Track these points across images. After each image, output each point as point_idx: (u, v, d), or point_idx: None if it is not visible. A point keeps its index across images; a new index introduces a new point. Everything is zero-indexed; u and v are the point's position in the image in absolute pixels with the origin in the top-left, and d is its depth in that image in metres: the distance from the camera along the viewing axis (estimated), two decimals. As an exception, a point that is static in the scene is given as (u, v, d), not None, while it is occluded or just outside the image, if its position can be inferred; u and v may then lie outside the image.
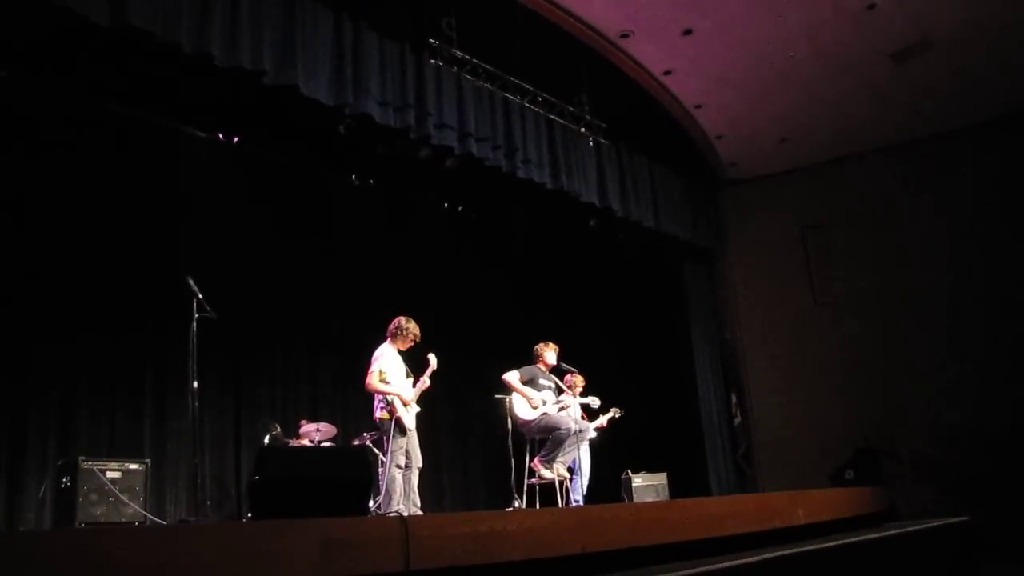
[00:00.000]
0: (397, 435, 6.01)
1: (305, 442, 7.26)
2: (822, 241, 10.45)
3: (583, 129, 8.53)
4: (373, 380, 6.09)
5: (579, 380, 7.64)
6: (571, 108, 8.40)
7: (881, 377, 9.73)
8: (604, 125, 8.72)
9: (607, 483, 8.26)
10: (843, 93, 9.21)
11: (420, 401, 6.33)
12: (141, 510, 5.72)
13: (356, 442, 7.34)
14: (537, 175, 7.83)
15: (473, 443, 9.57)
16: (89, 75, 6.09)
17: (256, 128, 7.28)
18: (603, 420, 7.93)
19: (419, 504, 6.22)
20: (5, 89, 6.01)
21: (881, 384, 9.72)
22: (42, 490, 6.17)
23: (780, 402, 10.32)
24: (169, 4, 5.25)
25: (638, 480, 8.05)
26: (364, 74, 6.43)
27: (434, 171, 7.63)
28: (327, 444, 7.32)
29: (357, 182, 8.63)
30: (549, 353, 7.31)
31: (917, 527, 6.54)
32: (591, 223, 9.19)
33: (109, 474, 5.65)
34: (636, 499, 7.84)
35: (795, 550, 4.91)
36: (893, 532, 6.20)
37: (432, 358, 6.32)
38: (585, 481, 7.30)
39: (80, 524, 5.37)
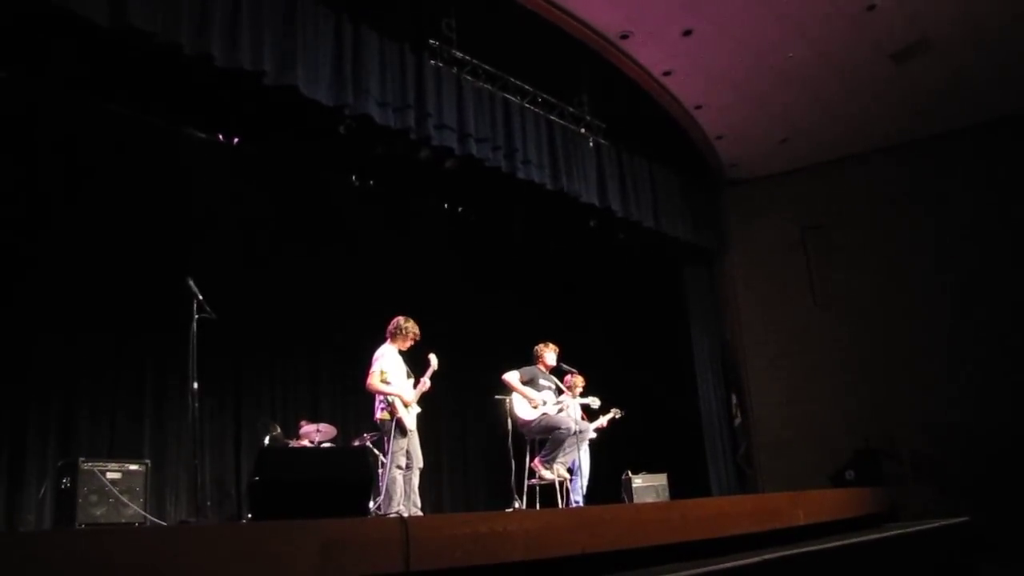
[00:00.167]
0: (398, 436, 6.01)
1: (305, 443, 7.26)
2: (822, 241, 10.45)
3: (583, 130, 8.53)
4: (374, 380, 6.08)
5: (579, 380, 7.64)
6: (571, 109, 8.41)
7: (881, 377, 9.73)
8: (604, 126, 8.72)
9: (607, 484, 8.26)
10: (843, 93, 9.21)
11: (420, 402, 6.33)
12: (141, 511, 5.73)
13: (356, 443, 7.34)
14: (537, 176, 7.83)
15: (473, 444, 9.57)
16: (89, 76, 6.08)
17: (256, 129, 7.27)
18: (603, 421, 7.94)
19: (419, 505, 6.21)
20: (5, 90, 6.01)
21: (881, 384, 9.71)
22: (42, 491, 6.17)
23: (780, 403, 10.32)
24: (169, 5, 5.25)
25: (638, 481, 8.05)
26: (364, 75, 6.43)
27: (434, 172, 7.62)
28: (327, 445, 7.32)
29: (357, 183, 8.63)
30: (549, 354, 7.30)
31: (918, 528, 6.53)
32: (591, 224, 9.19)
33: (109, 475, 5.66)
34: (636, 500, 7.84)
35: (795, 551, 4.91)
36: (894, 533, 6.19)
37: (433, 359, 6.32)
38: (584, 482, 7.30)
39: (80, 525, 5.38)
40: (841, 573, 5.20)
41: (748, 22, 8.08)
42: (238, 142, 7.54)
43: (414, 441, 6.19)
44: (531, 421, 6.95)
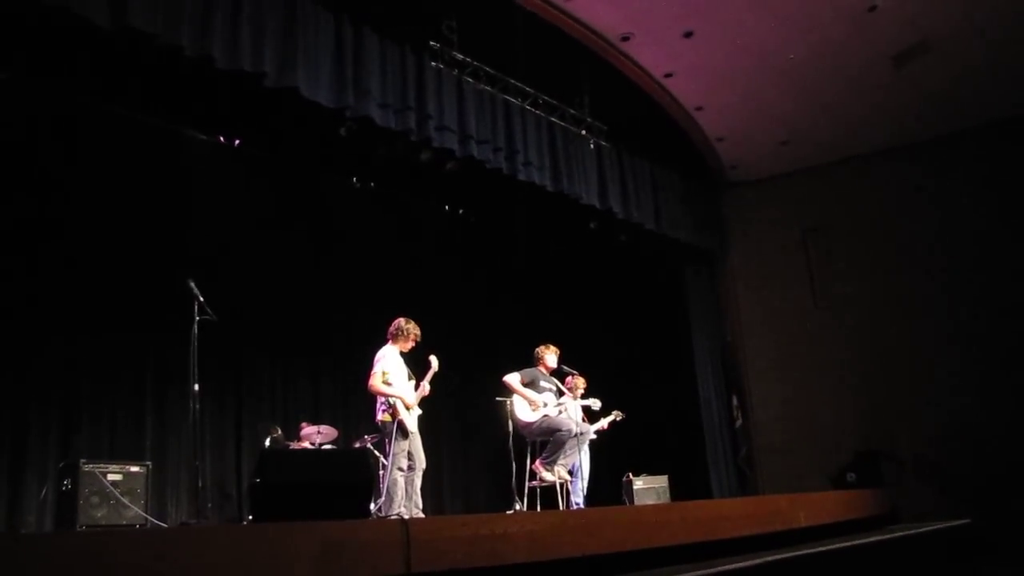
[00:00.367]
0: (399, 438, 6.00)
1: (306, 445, 7.26)
2: (823, 243, 10.44)
3: (584, 131, 8.54)
4: (376, 382, 6.07)
5: (580, 382, 7.63)
6: (572, 111, 8.41)
7: (882, 379, 9.72)
8: (605, 127, 8.72)
9: (608, 486, 8.25)
10: (844, 95, 9.21)
11: (421, 403, 6.33)
12: (142, 512, 5.73)
13: (357, 445, 7.34)
14: (538, 178, 7.83)
15: (474, 445, 9.57)
16: (90, 77, 6.08)
17: (257, 130, 7.28)
18: (604, 423, 7.93)
19: (421, 506, 6.21)
20: (6, 91, 6.02)
21: (882, 386, 9.71)
22: (43, 492, 6.18)
23: (781, 404, 10.31)
24: (170, 6, 5.25)
25: (639, 483, 8.04)
26: (365, 76, 6.44)
27: (435, 174, 7.62)
28: (328, 447, 7.32)
29: (358, 185, 8.64)
30: (550, 355, 7.30)
31: (919, 530, 6.54)
32: (592, 225, 9.19)
33: (110, 476, 5.66)
34: (637, 502, 7.83)
35: (796, 553, 4.91)
36: (895, 535, 6.19)
37: (434, 360, 6.32)
38: (585, 483, 7.29)
39: (81, 527, 5.38)
40: (842, 575, 5.20)
41: (749, 24, 8.08)
42: (239, 144, 7.55)
43: (416, 442, 6.18)
44: (532, 423, 6.95)
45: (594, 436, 7.59)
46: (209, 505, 6.95)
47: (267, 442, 7.16)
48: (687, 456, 9.98)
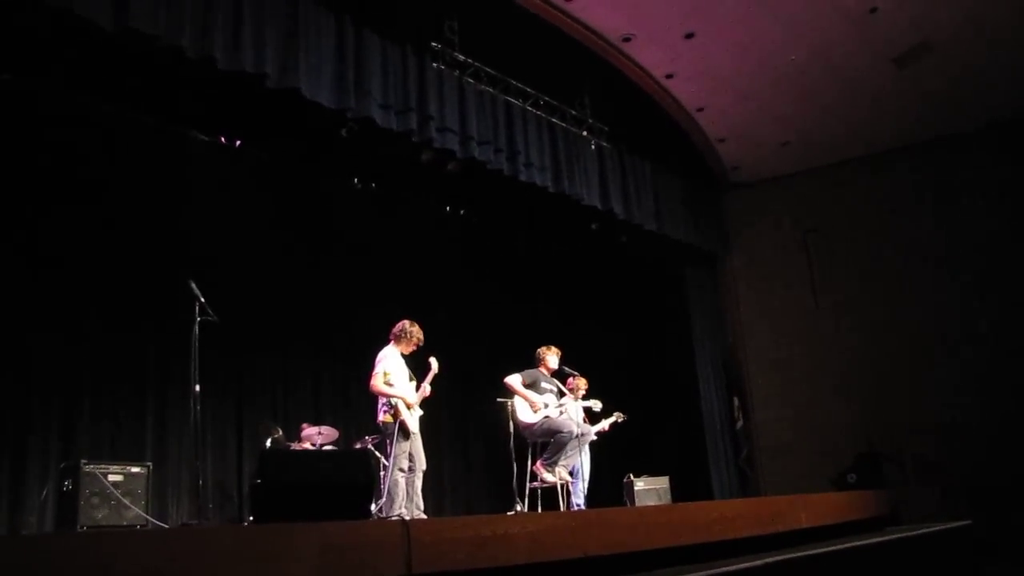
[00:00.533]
0: (400, 439, 6.00)
1: (307, 445, 7.26)
2: (824, 244, 10.45)
3: (585, 132, 8.54)
4: (377, 382, 6.07)
5: (582, 383, 7.63)
6: (573, 111, 8.41)
7: (883, 380, 9.72)
8: (606, 128, 8.72)
9: (609, 487, 8.25)
10: (845, 97, 9.21)
11: (422, 404, 6.33)
12: (143, 513, 5.73)
13: (358, 445, 7.33)
14: (539, 179, 7.83)
15: (475, 446, 9.56)
16: (91, 78, 6.09)
17: (258, 132, 7.28)
18: (605, 424, 7.92)
19: (422, 507, 6.21)
20: (7, 92, 6.02)
21: (883, 387, 9.70)
22: (44, 493, 6.17)
23: (782, 405, 10.31)
24: (172, 8, 5.25)
25: (640, 484, 8.04)
26: (366, 77, 6.43)
27: (436, 175, 7.62)
28: (329, 448, 7.32)
29: (359, 185, 8.64)
30: (551, 356, 7.30)
31: (920, 531, 6.52)
32: (593, 226, 9.19)
33: (111, 477, 5.66)
34: (638, 503, 7.83)
35: (797, 554, 4.90)
36: (896, 536, 6.18)
37: (434, 362, 6.32)
38: (585, 484, 7.29)
39: (82, 527, 5.38)
40: (843, 576, 5.20)
41: (750, 25, 8.09)
42: (240, 144, 7.55)
43: (417, 443, 6.18)
44: (533, 424, 6.95)
45: (595, 437, 7.59)
46: (210, 506, 6.94)
47: (268, 443, 7.15)
48: (688, 457, 9.97)
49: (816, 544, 5.62)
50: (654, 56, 8.73)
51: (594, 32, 8.31)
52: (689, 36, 8.29)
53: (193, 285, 5.49)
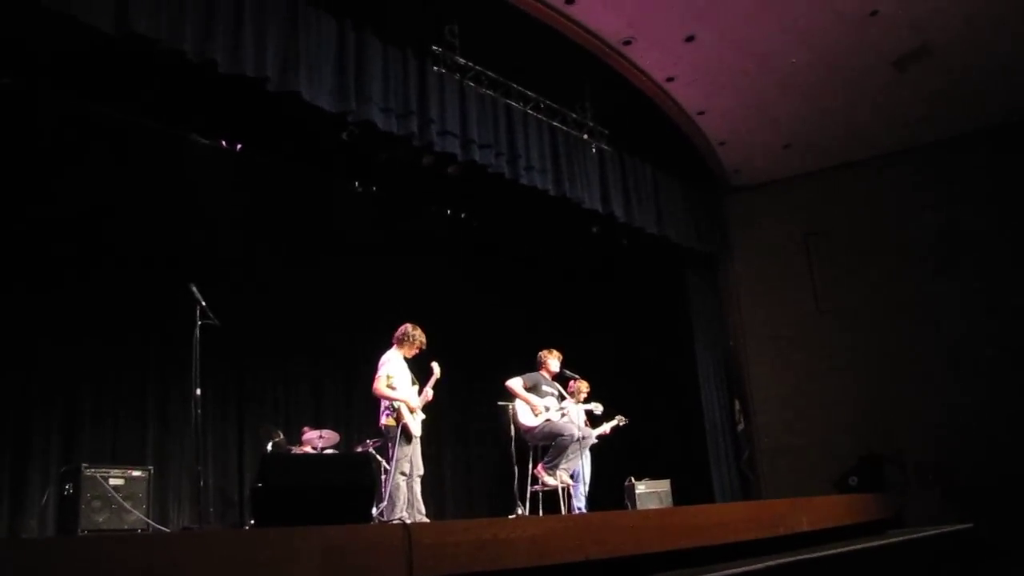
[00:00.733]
0: (403, 442, 6.00)
1: (308, 449, 7.26)
2: (825, 247, 10.44)
3: (586, 136, 8.54)
4: (380, 385, 6.07)
5: (583, 386, 7.63)
6: (574, 115, 8.41)
7: (885, 383, 9.70)
8: (607, 131, 8.73)
9: (610, 490, 8.24)
10: (845, 99, 9.21)
11: (424, 408, 6.33)
12: (144, 517, 5.72)
13: (359, 449, 7.33)
14: (540, 182, 7.83)
15: (476, 450, 9.56)
16: (92, 82, 6.10)
17: (259, 135, 7.29)
18: (606, 428, 7.92)
19: (424, 511, 6.21)
20: (9, 96, 6.03)
21: (885, 390, 9.69)
22: (45, 497, 6.17)
23: (783, 408, 10.30)
24: (173, 12, 5.26)
25: (641, 487, 8.04)
26: (367, 81, 6.44)
27: (437, 178, 7.63)
28: (330, 451, 7.32)
29: (360, 189, 8.65)
30: (552, 360, 7.30)
31: (922, 534, 6.52)
32: (594, 230, 9.19)
33: (112, 481, 5.65)
34: (639, 506, 7.83)
35: (799, 557, 4.90)
36: (897, 539, 6.18)
37: (436, 367, 6.31)
38: (586, 488, 7.29)
39: (83, 531, 5.37)
40: (845, 580, 5.19)
41: (750, 28, 8.09)
42: (241, 148, 7.56)
43: (416, 448, 6.18)
44: (534, 427, 6.94)
45: (596, 440, 7.58)
46: (211, 509, 6.95)
47: (269, 446, 7.15)
48: (689, 460, 9.96)
49: (818, 547, 5.61)
50: (655, 59, 8.73)
51: (595, 35, 8.32)
52: (690, 39, 8.29)
53: (194, 289, 5.50)
